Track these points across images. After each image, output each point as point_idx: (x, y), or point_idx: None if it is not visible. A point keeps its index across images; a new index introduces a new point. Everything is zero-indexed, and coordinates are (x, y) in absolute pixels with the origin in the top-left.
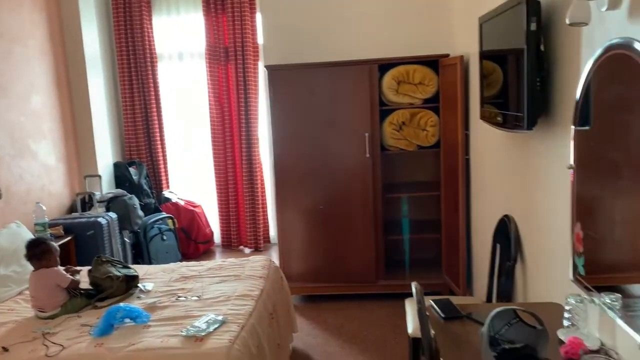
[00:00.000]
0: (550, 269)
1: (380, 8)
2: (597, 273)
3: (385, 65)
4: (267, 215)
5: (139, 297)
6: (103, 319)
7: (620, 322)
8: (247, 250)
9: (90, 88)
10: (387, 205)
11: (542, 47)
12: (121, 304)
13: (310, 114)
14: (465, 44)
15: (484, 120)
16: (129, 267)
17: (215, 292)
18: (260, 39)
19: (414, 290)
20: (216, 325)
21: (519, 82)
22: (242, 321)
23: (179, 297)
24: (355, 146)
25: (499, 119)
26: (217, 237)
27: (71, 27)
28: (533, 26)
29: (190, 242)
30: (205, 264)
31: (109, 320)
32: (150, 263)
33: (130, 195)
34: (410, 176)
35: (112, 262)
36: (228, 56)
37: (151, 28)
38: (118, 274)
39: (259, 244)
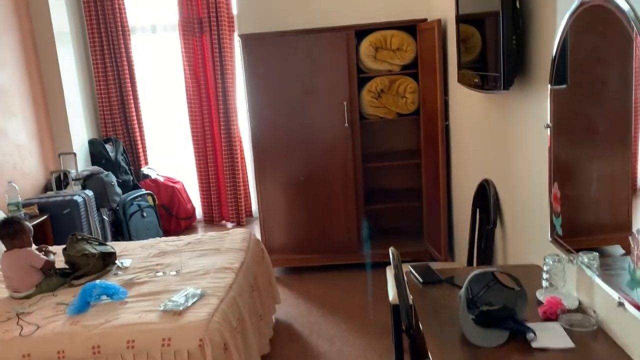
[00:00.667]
0: (528, 230)
1: None
2: (575, 236)
3: (362, 32)
4: (248, 189)
5: (116, 274)
6: (79, 296)
7: (598, 280)
8: (229, 225)
9: (60, 63)
10: (368, 175)
11: (517, 4)
12: (97, 281)
13: (287, 84)
14: (442, 7)
15: (461, 83)
16: (105, 244)
17: (195, 266)
18: (235, 9)
19: (391, 256)
20: (195, 299)
21: (495, 41)
22: (221, 294)
23: (157, 272)
24: (334, 115)
25: (476, 80)
26: (198, 213)
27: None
28: None
29: (172, 218)
30: (185, 239)
31: (85, 298)
32: (130, 240)
33: (107, 173)
34: (390, 145)
35: (88, 239)
36: (202, 27)
37: (122, 0)
38: (94, 251)
39: (241, 219)
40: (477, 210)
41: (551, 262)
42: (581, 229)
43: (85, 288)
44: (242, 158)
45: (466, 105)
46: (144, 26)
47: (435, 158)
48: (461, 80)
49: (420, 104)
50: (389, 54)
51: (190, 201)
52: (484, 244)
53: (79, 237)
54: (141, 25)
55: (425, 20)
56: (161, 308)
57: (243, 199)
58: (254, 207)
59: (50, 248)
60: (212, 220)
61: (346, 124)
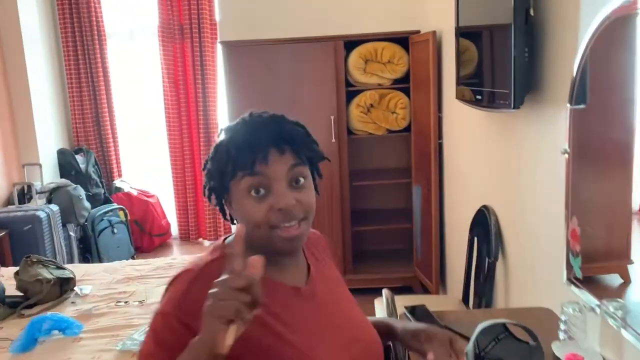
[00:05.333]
0: (538, 268)
1: None
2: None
3: (351, 43)
4: None
5: (73, 303)
6: (25, 331)
7: (627, 334)
8: (206, 243)
9: (28, 66)
10: (355, 194)
11: (531, 12)
12: (48, 313)
13: (271, 95)
14: (437, 18)
15: (460, 100)
16: (63, 268)
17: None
18: (218, 15)
19: (384, 299)
20: None
21: (505, 55)
22: None
23: (119, 301)
24: (321, 130)
25: (478, 97)
26: (174, 229)
27: None
28: None
29: (145, 234)
30: (154, 262)
31: (33, 333)
32: (99, 258)
33: (75, 186)
34: (379, 162)
35: (44, 262)
36: (183, 34)
37: (99, 3)
38: (49, 276)
39: (219, 236)
40: (475, 238)
41: (571, 312)
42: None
43: (33, 321)
44: None
45: (464, 124)
46: (121, 31)
47: (427, 178)
48: (460, 96)
49: (412, 120)
50: (380, 67)
51: (165, 217)
52: (483, 278)
53: (34, 260)
54: (118, 30)
55: (418, 32)
56: (119, 347)
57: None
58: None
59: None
60: (188, 237)
61: (333, 140)
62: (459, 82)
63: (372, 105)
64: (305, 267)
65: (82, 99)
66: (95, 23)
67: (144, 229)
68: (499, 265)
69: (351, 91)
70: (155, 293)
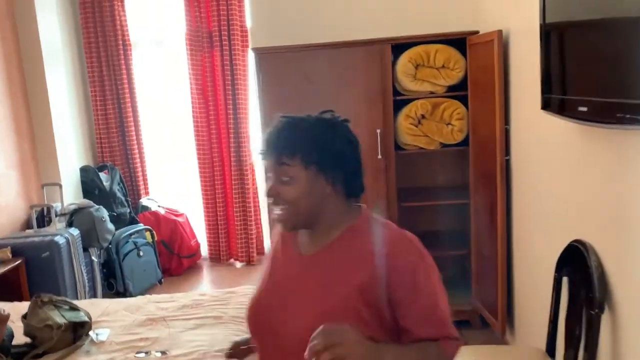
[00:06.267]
0: None
1: None
2: None
3: (399, 46)
4: (260, 223)
5: (88, 352)
6: None
7: None
8: (238, 265)
9: (49, 82)
10: (404, 216)
11: None
12: None
13: (308, 107)
14: (502, 16)
15: (548, 111)
16: (77, 309)
17: (187, 345)
18: (249, 22)
19: None
20: None
21: (632, 54)
22: None
23: (139, 352)
24: (365, 145)
25: (581, 109)
26: (204, 250)
27: (23, 11)
28: None
29: (173, 256)
30: (179, 298)
31: None
32: (124, 284)
33: (98, 207)
34: (431, 180)
35: (56, 302)
36: (212, 42)
37: (123, 11)
38: (61, 320)
39: (252, 257)
40: (563, 279)
41: None
42: None
43: None
44: (255, 189)
45: (547, 140)
46: (147, 40)
47: (488, 199)
48: (551, 107)
49: (470, 133)
50: (432, 73)
51: (194, 236)
52: (581, 331)
53: (45, 300)
54: (144, 39)
55: (477, 32)
56: None
57: (255, 234)
58: (267, 243)
59: (7, 311)
60: (219, 258)
61: (379, 156)
62: (548, 89)
63: (423, 116)
64: (326, 245)
65: (106, 113)
66: (120, 32)
67: (172, 251)
68: (605, 317)
69: (400, 100)
70: (180, 341)
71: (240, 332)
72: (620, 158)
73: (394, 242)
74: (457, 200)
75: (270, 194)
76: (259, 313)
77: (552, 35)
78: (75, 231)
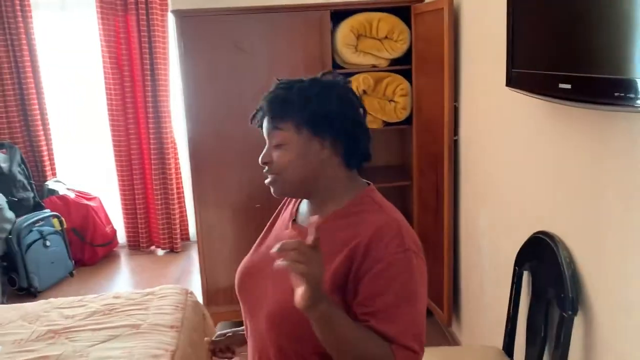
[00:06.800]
0: None
1: None
2: None
3: (339, 13)
4: (184, 207)
5: None
6: None
7: None
8: (160, 252)
9: None
10: None
11: None
12: None
13: (238, 79)
14: None
15: (515, 87)
16: None
17: None
18: None
19: None
20: None
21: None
22: None
23: None
24: None
25: (565, 86)
26: (121, 237)
27: None
28: None
29: (86, 245)
30: (89, 303)
31: None
32: (27, 279)
33: None
34: (372, 160)
35: None
36: (127, 4)
37: None
38: None
39: (175, 244)
40: (525, 274)
41: None
42: None
43: None
44: (178, 170)
45: (509, 119)
46: (50, 2)
47: (433, 182)
48: (519, 83)
49: (414, 111)
50: (375, 44)
51: (109, 222)
52: (545, 331)
53: None
54: (46, 0)
55: (422, 0)
56: None
57: (178, 218)
58: (192, 229)
59: None
60: (139, 245)
61: None
62: (516, 63)
63: (365, 92)
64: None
65: (3, 85)
66: None
67: (85, 239)
68: (577, 318)
69: (339, 74)
70: (88, 358)
71: (162, 343)
72: (607, 145)
73: (380, 229)
74: (399, 182)
75: (263, 160)
76: (246, 276)
77: (518, 5)
78: None
